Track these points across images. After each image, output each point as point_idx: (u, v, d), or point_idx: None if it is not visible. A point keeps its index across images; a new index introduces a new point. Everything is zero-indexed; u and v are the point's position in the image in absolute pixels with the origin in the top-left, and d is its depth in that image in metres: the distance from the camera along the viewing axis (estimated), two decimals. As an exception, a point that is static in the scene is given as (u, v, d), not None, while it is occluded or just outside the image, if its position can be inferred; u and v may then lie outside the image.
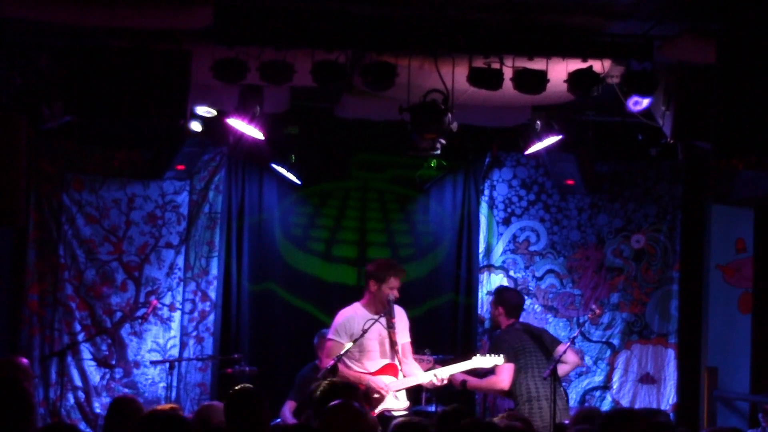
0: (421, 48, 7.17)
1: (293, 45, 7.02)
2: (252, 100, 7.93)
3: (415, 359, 8.36)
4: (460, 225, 10.12)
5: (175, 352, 9.70)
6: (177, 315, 9.77)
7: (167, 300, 9.74)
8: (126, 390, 9.53)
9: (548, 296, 10.09)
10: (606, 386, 10.01)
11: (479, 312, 10.01)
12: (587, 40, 7.16)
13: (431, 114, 7.30)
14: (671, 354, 10.01)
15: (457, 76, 7.25)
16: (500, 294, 8.97)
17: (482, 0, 6.73)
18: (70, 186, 9.57)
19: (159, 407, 6.22)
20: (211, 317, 9.79)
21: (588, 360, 10.01)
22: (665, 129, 7.59)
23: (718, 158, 6.35)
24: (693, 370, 9.91)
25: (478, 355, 8.29)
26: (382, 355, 8.18)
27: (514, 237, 10.16)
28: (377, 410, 7.91)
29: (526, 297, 9.98)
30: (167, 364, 9.09)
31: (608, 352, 10.05)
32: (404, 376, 8.17)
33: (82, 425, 9.37)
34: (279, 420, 8.60)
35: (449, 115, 7.31)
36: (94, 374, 9.56)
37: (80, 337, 9.49)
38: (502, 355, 8.26)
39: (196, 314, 9.80)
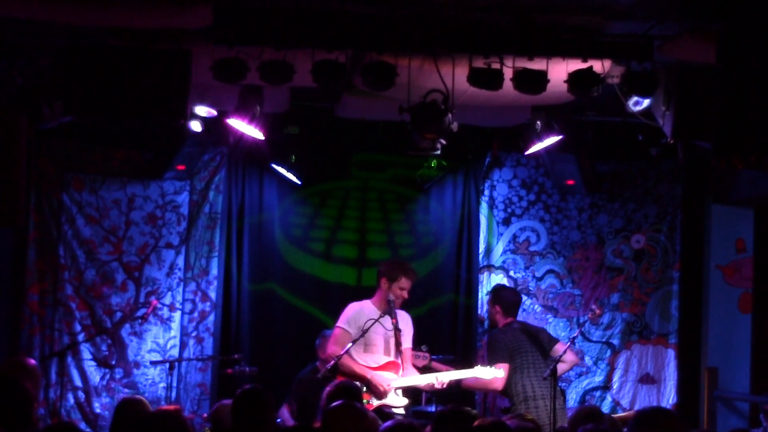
0: (421, 48, 7.17)
1: (293, 45, 7.02)
2: (252, 100, 7.93)
3: (411, 355, 8.38)
4: (460, 225, 10.12)
5: (175, 352, 9.70)
6: (177, 315, 9.77)
7: (167, 300, 9.75)
8: (126, 390, 9.54)
9: (548, 296, 10.09)
10: (606, 386, 10.01)
11: (479, 312, 10.02)
12: (587, 41, 7.16)
13: (431, 114, 7.30)
14: (671, 354, 10.01)
15: (457, 76, 7.24)
16: (497, 292, 8.97)
17: (482, 0, 6.72)
18: (70, 186, 9.57)
19: (163, 407, 6.22)
20: (211, 317, 9.80)
21: (588, 360, 10.01)
22: (665, 129, 7.58)
23: (718, 158, 6.33)
24: (693, 371, 9.91)
25: (479, 366, 8.28)
26: (385, 352, 8.23)
27: (514, 237, 10.16)
28: (376, 404, 7.93)
29: (526, 297, 9.99)
30: (167, 365, 9.09)
31: (608, 353, 10.05)
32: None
33: (82, 425, 9.37)
34: (278, 420, 8.60)
35: (449, 115, 7.31)
36: (94, 374, 9.56)
37: (80, 337, 9.49)
38: (502, 369, 8.27)
39: (196, 314, 9.80)
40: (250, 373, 8.73)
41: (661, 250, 10.07)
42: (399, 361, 8.19)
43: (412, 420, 6.61)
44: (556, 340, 8.65)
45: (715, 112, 6.28)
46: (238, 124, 8.17)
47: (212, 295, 9.81)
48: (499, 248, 10.15)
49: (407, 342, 8.33)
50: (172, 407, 6.13)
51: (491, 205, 10.16)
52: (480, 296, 10.06)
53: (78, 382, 9.50)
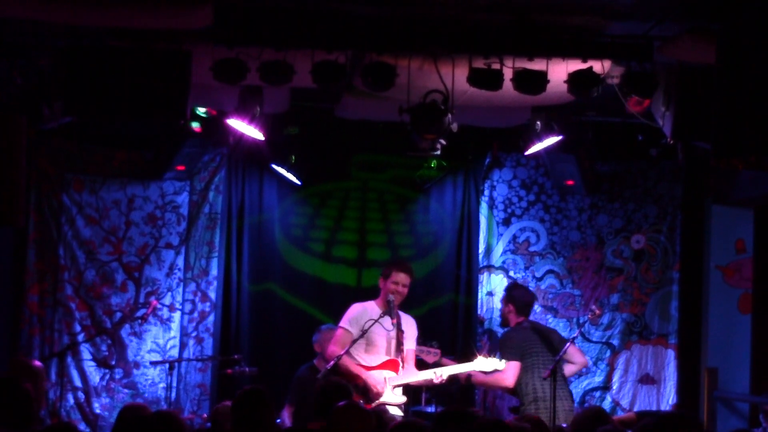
0: (421, 48, 7.18)
1: (293, 45, 7.02)
2: (252, 100, 7.93)
3: (422, 350, 8.39)
4: (460, 225, 10.11)
5: (174, 352, 9.69)
6: (177, 315, 9.77)
7: (167, 300, 9.74)
8: (126, 391, 9.54)
9: (548, 297, 10.09)
10: (606, 387, 10.01)
11: (479, 312, 10.02)
12: (587, 41, 7.17)
13: (431, 115, 7.30)
14: (671, 354, 10.01)
15: (457, 76, 7.25)
16: (510, 291, 8.92)
17: (482, 0, 6.72)
18: (70, 186, 9.57)
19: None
20: (211, 318, 9.79)
21: (588, 360, 10.00)
22: (665, 129, 7.59)
23: (718, 158, 6.34)
24: (693, 371, 9.90)
25: (480, 357, 8.28)
26: (387, 353, 8.22)
27: (514, 237, 10.16)
28: (374, 404, 7.94)
29: (526, 297, 10.00)
30: (167, 365, 9.09)
31: (608, 353, 10.05)
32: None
33: (82, 426, 9.37)
34: (278, 421, 8.59)
35: (449, 115, 7.31)
36: (94, 375, 9.56)
37: (80, 337, 9.48)
38: (503, 360, 8.26)
39: (195, 315, 9.80)
40: (249, 373, 8.72)
41: (661, 251, 10.07)
42: (399, 360, 8.19)
43: (418, 419, 6.59)
44: (566, 341, 8.65)
45: (714, 112, 6.28)
46: (238, 124, 8.17)
47: (212, 295, 9.80)
48: (498, 248, 10.14)
49: (410, 344, 8.32)
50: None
51: (491, 206, 10.16)
52: (480, 296, 10.06)
53: (78, 383, 9.50)
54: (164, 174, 9.70)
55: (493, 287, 10.06)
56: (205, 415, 8.99)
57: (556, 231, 10.16)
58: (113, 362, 9.58)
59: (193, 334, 9.78)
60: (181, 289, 9.79)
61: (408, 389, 8.25)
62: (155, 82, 6.98)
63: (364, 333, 8.02)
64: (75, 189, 9.59)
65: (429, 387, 8.49)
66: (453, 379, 8.32)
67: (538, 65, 7.12)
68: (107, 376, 9.58)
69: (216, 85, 7.26)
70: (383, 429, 5.61)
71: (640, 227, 10.09)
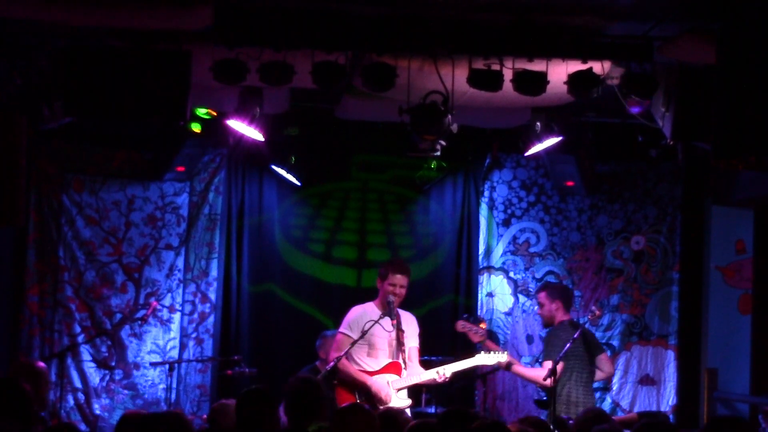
0: (421, 49, 7.17)
1: (293, 46, 7.02)
2: (252, 101, 7.94)
3: (469, 327, 8.47)
4: (460, 226, 10.11)
5: (174, 353, 9.69)
6: (177, 316, 9.77)
7: (167, 301, 9.74)
8: (126, 392, 9.54)
9: (548, 297, 10.07)
10: (606, 387, 9.99)
11: (479, 313, 10.01)
12: (587, 41, 7.17)
13: (431, 115, 7.30)
14: (671, 355, 10.00)
15: (456, 77, 7.25)
16: (555, 288, 8.93)
17: (482, 0, 6.72)
18: (70, 187, 9.57)
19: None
20: (211, 319, 9.79)
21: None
22: (665, 130, 7.58)
23: (718, 159, 6.33)
24: (693, 372, 9.90)
25: (482, 352, 8.29)
26: (389, 354, 8.21)
27: (514, 238, 10.16)
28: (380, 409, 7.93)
29: (525, 298, 10.01)
30: (167, 366, 9.09)
31: (608, 354, 10.03)
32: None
33: (82, 426, 9.36)
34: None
35: (449, 116, 7.31)
36: (94, 376, 9.56)
37: (80, 338, 9.49)
38: (506, 353, 8.30)
39: (195, 316, 9.80)
40: (249, 374, 8.73)
41: (660, 252, 10.07)
42: (401, 361, 8.18)
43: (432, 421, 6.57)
44: (602, 349, 8.68)
45: (714, 112, 6.28)
46: (237, 125, 8.17)
47: (212, 296, 9.80)
48: (498, 249, 10.14)
49: (412, 341, 8.30)
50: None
51: (491, 207, 10.16)
52: (480, 297, 10.05)
53: (78, 384, 9.50)
54: (164, 175, 9.70)
55: (493, 288, 10.06)
56: (205, 416, 8.98)
57: (556, 232, 10.16)
58: (113, 363, 9.58)
59: (193, 335, 9.78)
60: (181, 290, 9.79)
61: (409, 389, 8.24)
62: (155, 82, 6.98)
63: (363, 334, 8.01)
64: (75, 189, 9.59)
65: (430, 387, 8.49)
66: (471, 372, 8.43)
67: (537, 66, 7.12)
68: (107, 377, 9.58)
69: (216, 85, 7.26)
70: (400, 429, 5.61)
71: (640, 228, 10.09)
